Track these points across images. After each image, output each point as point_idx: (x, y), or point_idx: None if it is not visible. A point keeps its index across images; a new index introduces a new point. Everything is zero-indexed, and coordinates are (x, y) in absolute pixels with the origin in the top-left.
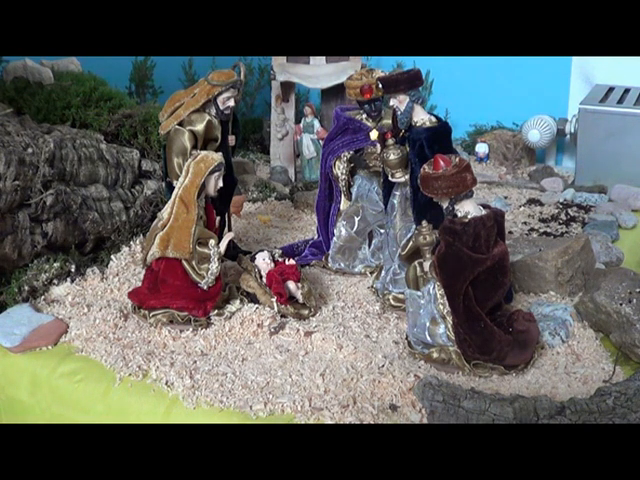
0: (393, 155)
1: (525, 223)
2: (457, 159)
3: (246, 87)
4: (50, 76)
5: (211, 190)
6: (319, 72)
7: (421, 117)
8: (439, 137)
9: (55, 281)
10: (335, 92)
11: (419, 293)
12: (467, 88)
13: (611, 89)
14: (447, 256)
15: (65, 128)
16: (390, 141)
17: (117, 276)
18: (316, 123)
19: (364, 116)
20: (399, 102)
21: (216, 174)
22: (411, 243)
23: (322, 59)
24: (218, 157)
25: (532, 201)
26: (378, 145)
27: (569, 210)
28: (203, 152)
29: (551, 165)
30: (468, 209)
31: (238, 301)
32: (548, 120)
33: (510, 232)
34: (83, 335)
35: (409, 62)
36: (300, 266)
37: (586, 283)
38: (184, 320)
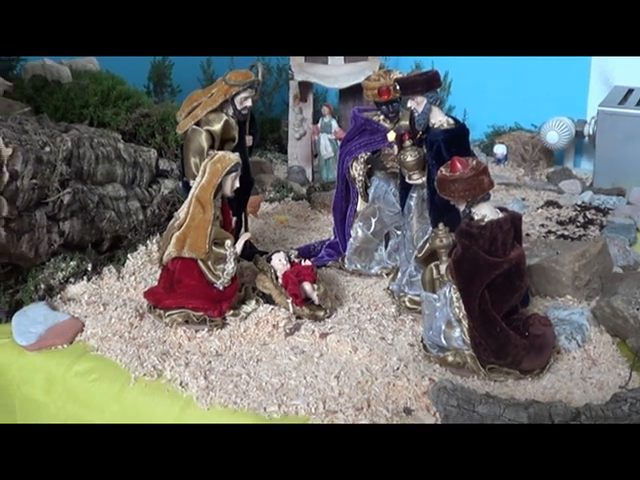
0: (410, 157)
1: (543, 225)
2: (474, 162)
3: (264, 87)
4: (68, 75)
5: (228, 190)
6: (337, 72)
7: (439, 119)
8: (457, 139)
9: (71, 280)
10: (353, 92)
11: (435, 296)
12: (485, 89)
13: (630, 91)
14: (463, 259)
15: (83, 127)
16: (407, 143)
17: (133, 275)
18: (334, 123)
19: (381, 117)
20: (417, 104)
21: (233, 174)
22: (427, 245)
23: (340, 59)
24: (235, 157)
25: (550, 203)
26: (395, 146)
27: (587, 213)
28: (220, 152)
29: (569, 167)
30: (485, 212)
31: (254, 302)
32: (567, 122)
33: (527, 234)
34: (99, 334)
35: (427, 62)
36: (316, 267)
37: (603, 287)
38: (199, 320)
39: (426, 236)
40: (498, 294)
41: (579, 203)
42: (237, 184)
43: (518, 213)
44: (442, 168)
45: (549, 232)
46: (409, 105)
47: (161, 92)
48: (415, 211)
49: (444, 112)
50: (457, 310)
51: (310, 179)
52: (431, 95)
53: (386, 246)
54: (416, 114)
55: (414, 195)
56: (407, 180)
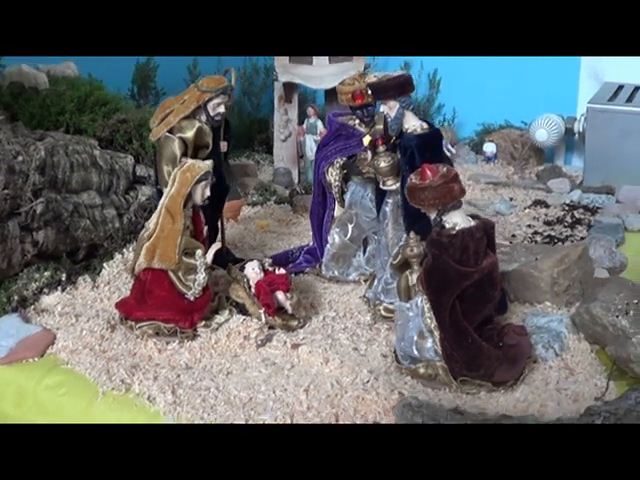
0: (384, 163)
1: (529, 226)
2: (445, 169)
3: (252, 87)
4: (45, 81)
5: (198, 199)
6: (322, 72)
7: (412, 123)
8: (430, 144)
9: (45, 290)
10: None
11: (408, 305)
12: (475, 87)
13: (620, 87)
14: (433, 269)
15: (58, 134)
16: (381, 148)
17: (108, 284)
18: (319, 124)
19: (357, 121)
20: (389, 108)
21: (203, 183)
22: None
23: (325, 59)
24: (205, 166)
25: (538, 202)
26: (369, 152)
27: (575, 212)
28: (190, 161)
29: (560, 164)
30: (456, 220)
31: (227, 311)
32: (556, 119)
33: (513, 235)
34: (69, 347)
35: (416, 60)
36: (294, 273)
37: (584, 292)
38: (170, 332)
39: (401, 243)
40: (470, 304)
41: (567, 202)
42: (208, 193)
43: (490, 221)
44: (412, 176)
45: (535, 233)
46: (382, 110)
47: (145, 95)
48: (390, 217)
49: (418, 116)
50: (429, 320)
51: (296, 181)
52: (404, 100)
53: (364, 251)
54: (389, 119)
55: (389, 201)
56: (381, 186)
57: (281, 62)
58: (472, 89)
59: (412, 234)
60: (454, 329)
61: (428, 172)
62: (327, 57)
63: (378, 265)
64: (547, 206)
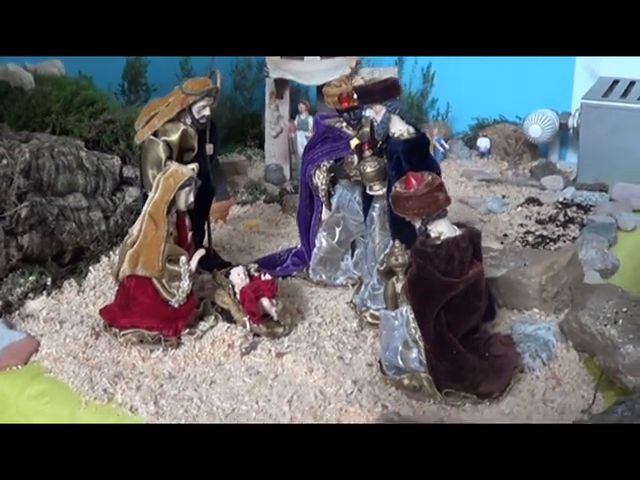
0: (370, 167)
1: (521, 225)
2: (430, 177)
3: (244, 81)
4: (31, 81)
5: (182, 205)
6: (313, 68)
7: (399, 128)
8: (416, 150)
9: (31, 295)
10: None
11: (393, 314)
12: (469, 81)
13: (615, 82)
14: (418, 280)
15: (44, 136)
16: (367, 153)
17: (94, 289)
18: (311, 120)
19: (344, 124)
20: (375, 112)
21: (187, 189)
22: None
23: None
24: (188, 171)
25: (531, 200)
26: (355, 156)
27: (568, 210)
28: (173, 166)
29: (554, 160)
30: (441, 229)
31: (212, 318)
32: (550, 115)
33: (505, 235)
34: (53, 354)
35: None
36: (281, 277)
37: (573, 299)
38: (154, 340)
39: (387, 249)
40: (455, 315)
41: (560, 200)
42: (191, 198)
43: (477, 230)
44: (397, 184)
45: (527, 232)
46: (368, 114)
47: (136, 91)
48: (377, 222)
49: (405, 120)
50: (413, 331)
51: (288, 177)
52: (390, 104)
53: (352, 255)
54: (375, 123)
55: (377, 206)
56: (368, 191)
57: (272, 58)
58: (466, 83)
59: (397, 243)
60: (438, 340)
61: (413, 180)
62: None
63: (365, 270)
64: (540, 204)
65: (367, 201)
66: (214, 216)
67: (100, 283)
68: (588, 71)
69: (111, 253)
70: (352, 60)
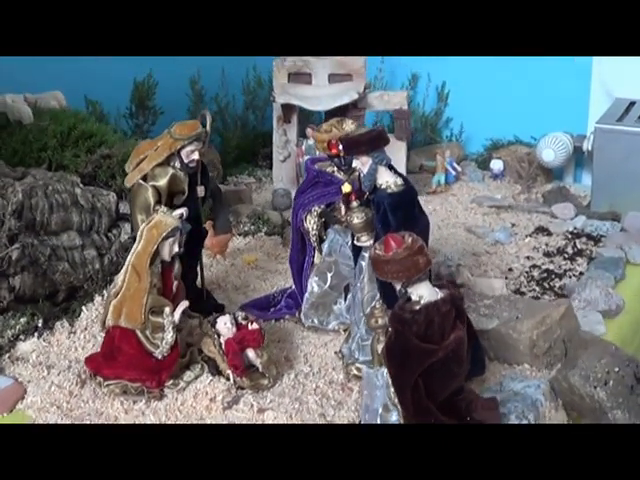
0: (357, 219)
1: (528, 258)
2: (410, 239)
3: (256, 100)
4: (29, 115)
5: (166, 256)
6: (320, 93)
7: (386, 179)
8: (403, 203)
9: (22, 337)
10: (339, 113)
11: (376, 373)
12: (484, 100)
13: (632, 103)
14: (395, 346)
15: (40, 172)
16: (354, 204)
17: (85, 330)
18: None
19: (335, 168)
20: (362, 164)
21: (171, 240)
22: None
23: (325, 78)
24: (173, 222)
25: (540, 229)
26: (342, 206)
27: (577, 241)
28: (157, 216)
29: (568, 184)
30: (422, 292)
31: (199, 367)
32: (563, 139)
33: (510, 269)
34: (37, 403)
35: (424, 73)
36: (274, 320)
37: (567, 352)
38: (137, 391)
39: (374, 302)
40: (434, 382)
41: (570, 230)
42: (176, 249)
43: (459, 293)
44: (377, 245)
45: (534, 266)
46: (354, 165)
47: (143, 114)
48: (366, 272)
49: (393, 170)
50: (392, 395)
51: None
52: (377, 155)
53: (345, 298)
54: (362, 175)
55: (366, 255)
56: (355, 242)
57: (280, 82)
58: (481, 103)
59: (378, 304)
60: (416, 408)
61: (392, 243)
62: (326, 76)
63: (353, 321)
64: (549, 234)
65: (357, 250)
66: (212, 251)
67: (92, 324)
68: (604, 91)
69: (104, 292)
70: (360, 85)
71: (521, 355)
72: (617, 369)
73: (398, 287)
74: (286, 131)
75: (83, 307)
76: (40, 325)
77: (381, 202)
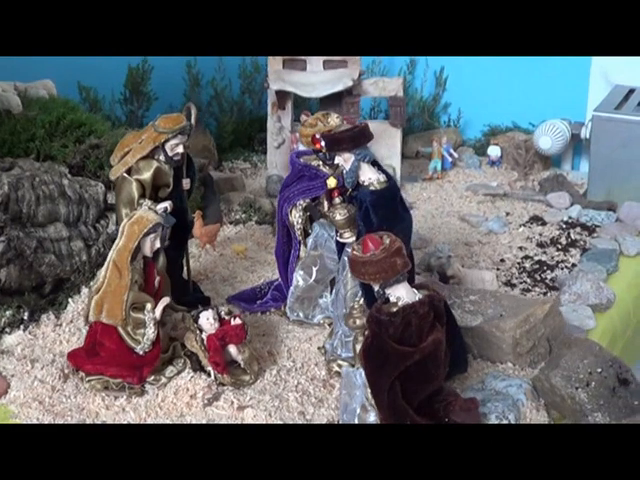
0: (339, 216)
1: (521, 248)
2: (388, 240)
3: (253, 85)
4: (18, 104)
5: (147, 252)
6: (315, 79)
7: (368, 176)
8: (385, 202)
9: (7, 330)
10: (333, 99)
11: (355, 371)
12: (483, 86)
13: (631, 91)
14: (371, 348)
15: (28, 162)
16: (337, 200)
17: (71, 322)
18: None
19: (320, 162)
20: (344, 161)
21: (152, 235)
22: None
23: (320, 65)
24: (154, 217)
25: (535, 219)
26: (325, 202)
27: (571, 231)
28: (139, 212)
29: (566, 171)
30: (400, 294)
31: (182, 361)
32: (560, 126)
33: (502, 260)
34: (20, 398)
35: (422, 58)
36: (260, 312)
37: (551, 350)
38: (118, 387)
39: (356, 298)
40: (411, 384)
41: (565, 219)
42: (157, 244)
43: (438, 294)
44: (354, 246)
45: (526, 257)
46: (336, 162)
47: (137, 100)
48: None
49: (376, 167)
50: (370, 395)
51: None
52: (359, 152)
53: (331, 292)
54: (344, 171)
55: (349, 250)
56: (338, 238)
57: (274, 68)
58: (480, 88)
59: (356, 304)
60: (392, 410)
61: (370, 244)
62: (321, 62)
63: (336, 317)
64: (544, 223)
65: (340, 245)
66: (202, 240)
67: (77, 317)
68: (603, 78)
69: (91, 283)
70: (355, 71)
71: (504, 353)
72: (600, 370)
73: (376, 288)
74: (280, 117)
75: (69, 299)
76: (26, 318)
77: (363, 200)
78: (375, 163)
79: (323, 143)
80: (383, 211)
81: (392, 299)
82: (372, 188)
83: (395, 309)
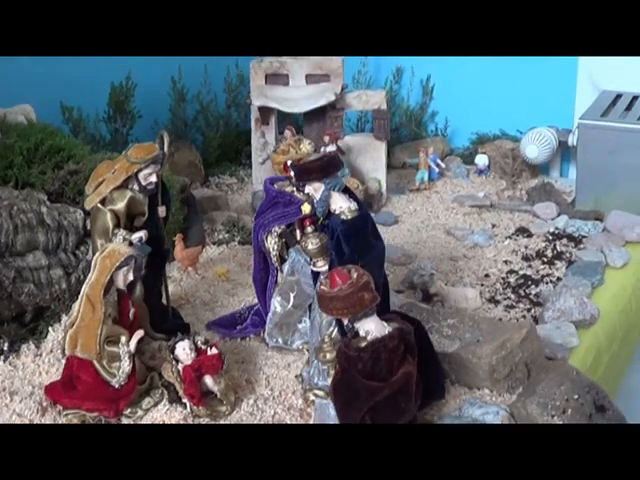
0: (311, 245)
1: (506, 262)
2: (356, 275)
3: (239, 98)
4: None
5: (120, 285)
6: (297, 94)
7: (339, 205)
8: (356, 231)
9: None
10: (317, 113)
11: (329, 403)
12: (470, 94)
13: (619, 96)
14: (341, 384)
15: (6, 191)
16: (309, 229)
17: (51, 352)
18: None
19: (294, 188)
20: (314, 190)
21: (124, 268)
22: None
23: (302, 79)
24: (125, 250)
25: (521, 230)
26: (297, 231)
27: (558, 243)
28: (111, 245)
29: (554, 178)
30: (369, 328)
31: (159, 392)
32: (547, 134)
33: (487, 275)
34: None
35: (408, 66)
36: (240, 338)
37: (529, 375)
38: (95, 421)
39: (331, 327)
40: (381, 419)
41: (551, 230)
42: (131, 277)
43: (408, 327)
44: (322, 280)
45: (511, 271)
46: (307, 191)
47: (121, 119)
48: None
49: (347, 195)
50: None
51: None
52: (329, 181)
53: (310, 316)
54: (315, 201)
55: (322, 278)
56: (312, 267)
57: (256, 83)
58: (467, 96)
59: (327, 337)
60: None
61: (337, 279)
62: (304, 77)
63: (311, 346)
64: (530, 235)
65: (315, 273)
66: (183, 264)
67: (57, 346)
68: (591, 83)
69: (65, 317)
70: (337, 85)
71: (481, 380)
72: (576, 396)
73: (345, 322)
74: (264, 133)
75: (50, 327)
76: (6, 348)
77: (335, 229)
78: (346, 190)
79: (292, 173)
80: (355, 240)
81: (361, 333)
82: (343, 217)
83: (364, 344)
